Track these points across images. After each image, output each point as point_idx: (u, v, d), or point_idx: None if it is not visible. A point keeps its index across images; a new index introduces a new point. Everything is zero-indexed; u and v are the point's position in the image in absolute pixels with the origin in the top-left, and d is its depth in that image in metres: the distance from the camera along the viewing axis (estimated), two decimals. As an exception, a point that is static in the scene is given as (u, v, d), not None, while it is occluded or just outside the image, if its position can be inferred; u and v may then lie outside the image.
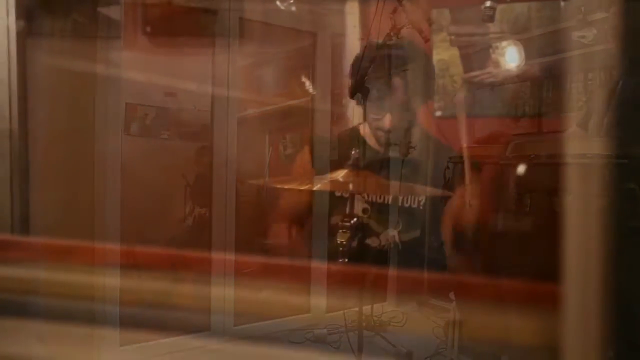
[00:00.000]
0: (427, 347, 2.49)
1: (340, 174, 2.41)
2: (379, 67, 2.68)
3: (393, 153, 2.76)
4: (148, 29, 3.28)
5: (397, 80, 2.68)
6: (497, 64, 3.61)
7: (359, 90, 2.71)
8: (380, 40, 2.91)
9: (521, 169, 2.72)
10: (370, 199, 2.74)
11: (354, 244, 2.59)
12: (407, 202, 2.76)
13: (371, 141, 2.73)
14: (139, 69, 3.23)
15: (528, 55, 3.57)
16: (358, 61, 2.79)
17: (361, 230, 2.64)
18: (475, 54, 3.65)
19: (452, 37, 3.69)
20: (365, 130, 2.77)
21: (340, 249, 2.38)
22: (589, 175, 0.93)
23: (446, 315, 2.17)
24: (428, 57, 2.82)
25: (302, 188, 2.54)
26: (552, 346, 0.91)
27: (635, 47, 0.90)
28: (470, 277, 2.48)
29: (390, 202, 2.77)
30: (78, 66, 3.10)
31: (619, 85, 0.98)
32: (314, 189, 2.47)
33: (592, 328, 0.92)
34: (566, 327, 0.95)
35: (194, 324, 2.69)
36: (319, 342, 2.77)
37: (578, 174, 0.93)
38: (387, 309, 3.01)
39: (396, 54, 2.75)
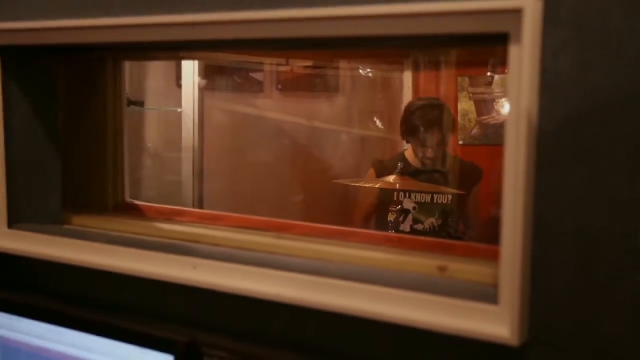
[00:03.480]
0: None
1: (391, 178, 2.41)
2: (420, 118, 2.67)
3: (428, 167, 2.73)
4: (279, 86, 3.27)
5: (433, 126, 2.64)
6: (498, 112, 3.60)
7: (408, 134, 2.70)
8: (420, 101, 2.91)
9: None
10: (416, 199, 2.71)
11: (406, 227, 2.60)
12: (439, 200, 2.71)
13: (413, 162, 2.68)
14: (273, 111, 3.25)
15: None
16: (406, 114, 2.77)
17: (408, 217, 2.65)
18: (484, 105, 3.63)
19: (470, 94, 3.66)
20: (408, 154, 2.72)
21: (390, 224, 2.38)
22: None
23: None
24: (449, 110, 2.77)
25: (367, 185, 2.55)
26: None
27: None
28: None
29: (429, 200, 2.72)
30: (235, 109, 3.15)
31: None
32: (376, 186, 2.48)
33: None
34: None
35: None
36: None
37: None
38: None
39: (430, 109, 2.72)
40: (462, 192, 2.64)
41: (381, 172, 2.74)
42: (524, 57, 0.85)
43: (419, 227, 2.72)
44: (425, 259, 1.11)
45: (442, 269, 1.08)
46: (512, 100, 0.87)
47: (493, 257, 0.95)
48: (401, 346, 1.02)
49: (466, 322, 0.93)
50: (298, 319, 1.11)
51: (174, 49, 1.73)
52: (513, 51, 0.86)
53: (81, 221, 1.51)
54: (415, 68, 3.33)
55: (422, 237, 1.28)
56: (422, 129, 2.65)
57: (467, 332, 0.92)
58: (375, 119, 3.30)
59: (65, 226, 1.49)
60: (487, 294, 0.94)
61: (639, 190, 0.84)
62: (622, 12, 0.82)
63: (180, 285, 1.18)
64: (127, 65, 2.61)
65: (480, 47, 0.93)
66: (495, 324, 0.91)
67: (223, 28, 1.10)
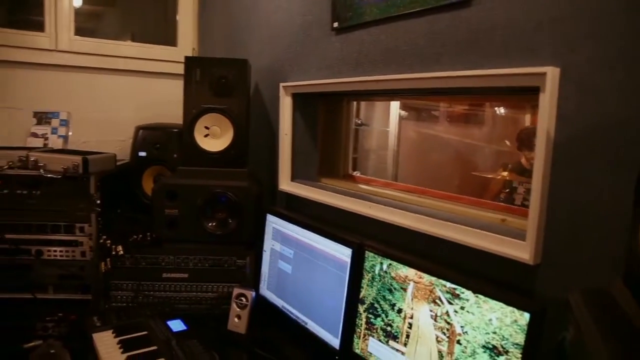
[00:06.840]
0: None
1: (505, 172, 2.25)
2: (527, 135, 2.40)
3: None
4: (448, 119, 3.06)
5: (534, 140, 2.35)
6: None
7: (521, 146, 2.44)
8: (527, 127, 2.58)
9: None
10: (524, 186, 2.43)
11: (518, 201, 2.35)
12: None
13: (526, 165, 2.39)
14: (443, 133, 3.05)
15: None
16: (519, 134, 2.51)
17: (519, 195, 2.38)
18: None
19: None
20: (523, 160, 2.43)
21: (505, 197, 2.19)
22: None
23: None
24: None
25: (489, 177, 2.38)
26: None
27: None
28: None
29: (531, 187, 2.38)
30: (421, 130, 2.96)
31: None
32: (497, 177, 2.31)
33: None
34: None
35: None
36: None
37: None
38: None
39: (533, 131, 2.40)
40: None
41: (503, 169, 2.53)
42: (547, 100, 0.86)
43: (526, 202, 2.45)
44: (495, 215, 1.12)
45: (503, 220, 1.09)
46: (541, 124, 0.88)
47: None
48: (475, 259, 1.03)
49: (510, 250, 0.94)
50: (421, 239, 1.13)
51: (385, 95, 1.72)
52: (542, 97, 0.87)
53: (326, 181, 1.64)
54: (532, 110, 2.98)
55: (496, 203, 1.21)
56: (527, 142, 2.39)
57: (510, 255, 0.94)
58: (506, 141, 3.03)
59: (318, 183, 1.62)
60: (521, 235, 0.94)
61: (609, 181, 0.80)
62: (603, 75, 0.80)
63: (362, 215, 1.28)
64: (363, 104, 2.65)
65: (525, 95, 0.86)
66: (523, 252, 0.92)
67: (403, 83, 1.15)
